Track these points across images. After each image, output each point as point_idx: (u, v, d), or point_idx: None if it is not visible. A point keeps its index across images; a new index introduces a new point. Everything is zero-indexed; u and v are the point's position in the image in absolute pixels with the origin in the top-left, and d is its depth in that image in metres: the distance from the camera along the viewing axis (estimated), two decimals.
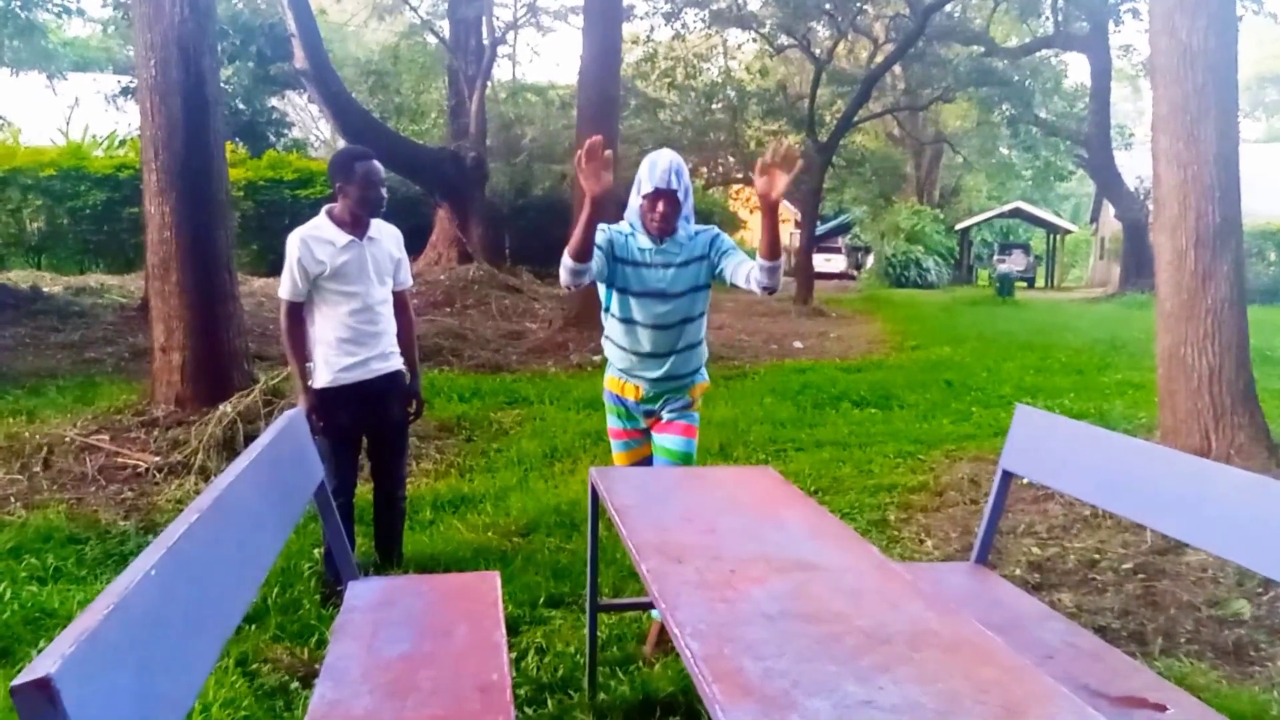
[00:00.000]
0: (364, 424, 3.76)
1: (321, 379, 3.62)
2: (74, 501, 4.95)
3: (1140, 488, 2.46)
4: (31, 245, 16.30)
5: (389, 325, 3.75)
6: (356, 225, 3.62)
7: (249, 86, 19.72)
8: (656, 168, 3.12)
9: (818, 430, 7.02)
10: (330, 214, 3.64)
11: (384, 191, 3.65)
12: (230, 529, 1.87)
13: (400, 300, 3.87)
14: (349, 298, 3.58)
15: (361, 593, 2.69)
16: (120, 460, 5.53)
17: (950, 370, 10.24)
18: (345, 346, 3.60)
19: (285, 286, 3.58)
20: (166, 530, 1.56)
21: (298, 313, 3.63)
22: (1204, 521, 2.24)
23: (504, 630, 2.40)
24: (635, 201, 3.19)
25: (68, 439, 5.72)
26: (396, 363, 3.78)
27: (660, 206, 3.12)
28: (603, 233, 3.20)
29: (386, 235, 3.76)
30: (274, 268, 17.18)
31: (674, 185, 3.10)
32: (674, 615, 1.63)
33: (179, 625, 1.46)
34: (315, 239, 3.56)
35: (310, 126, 26.92)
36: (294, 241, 3.54)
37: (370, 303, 3.63)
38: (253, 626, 3.41)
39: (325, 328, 3.61)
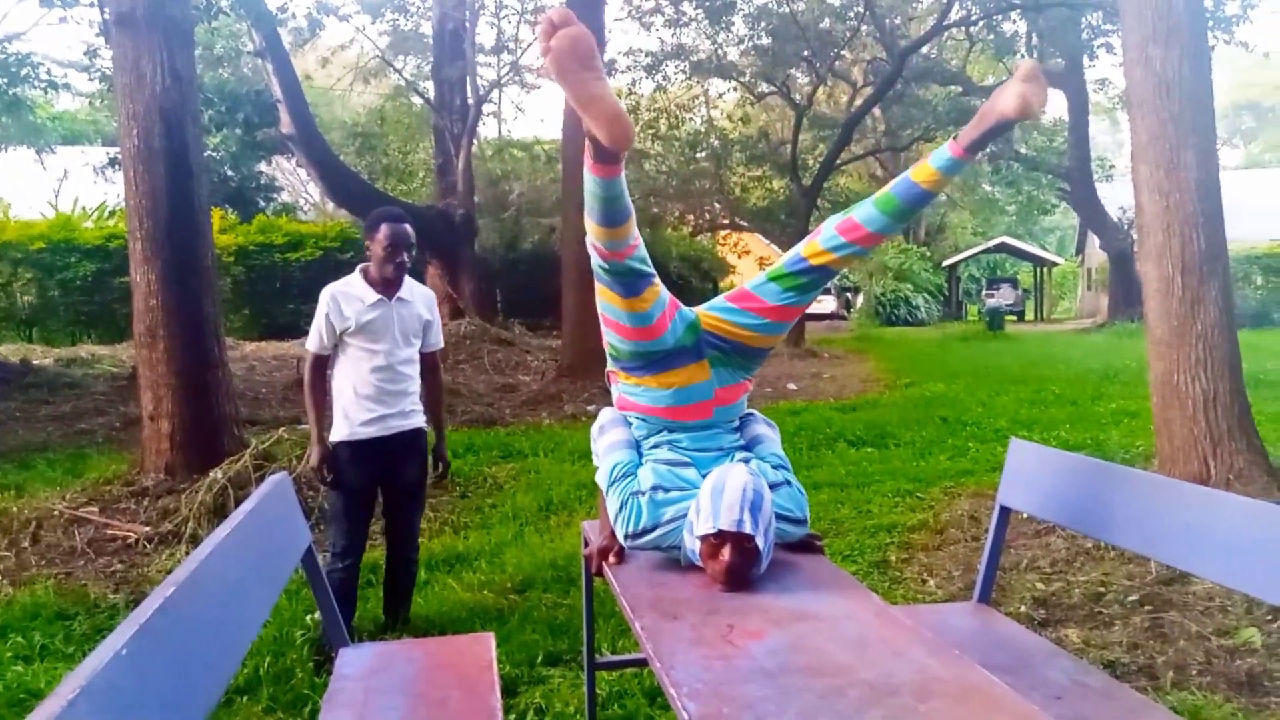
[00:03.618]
0: (379, 481, 3.75)
1: (339, 432, 3.66)
2: (63, 576, 4.87)
3: (1141, 518, 2.41)
4: (22, 318, 16.28)
5: (412, 385, 3.77)
6: (386, 285, 3.67)
7: (237, 153, 19.88)
8: (723, 496, 1.96)
9: (814, 471, 6.97)
10: (364, 272, 3.70)
11: (406, 255, 3.65)
12: (211, 600, 1.81)
13: (430, 361, 3.91)
14: (372, 355, 3.64)
15: (353, 660, 2.62)
16: (110, 532, 5.45)
17: (945, 406, 10.21)
18: (364, 402, 3.64)
19: (312, 339, 3.66)
20: (141, 605, 1.51)
21: (321, 365, 3.70)
22: (1208, 550, 2.19)
23: (499, 694, 2.33)
24: (691, 542, 2.05)
25: (56, 512, 5.64)
26: (417, 421, 3.79)
27: (726, 555, 1.95)
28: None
29: (418, 297, 3.80)
30: (266, 332, 17.28)
31: (748, 527, 1.93)
32: (670, 674, 1.58)
33: (154, 706, 1.40)
34: (345, 295, 3.63)
35: (299, 190, 27.08)
36: (324, 296, 3.63)
37: (393, 362, 3.67)
38: (244, 698, 3.33)
39: (346, 382, 3.66)
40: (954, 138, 2.13)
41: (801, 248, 2.25)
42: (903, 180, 2.15)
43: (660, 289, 2.18)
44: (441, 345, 3.97)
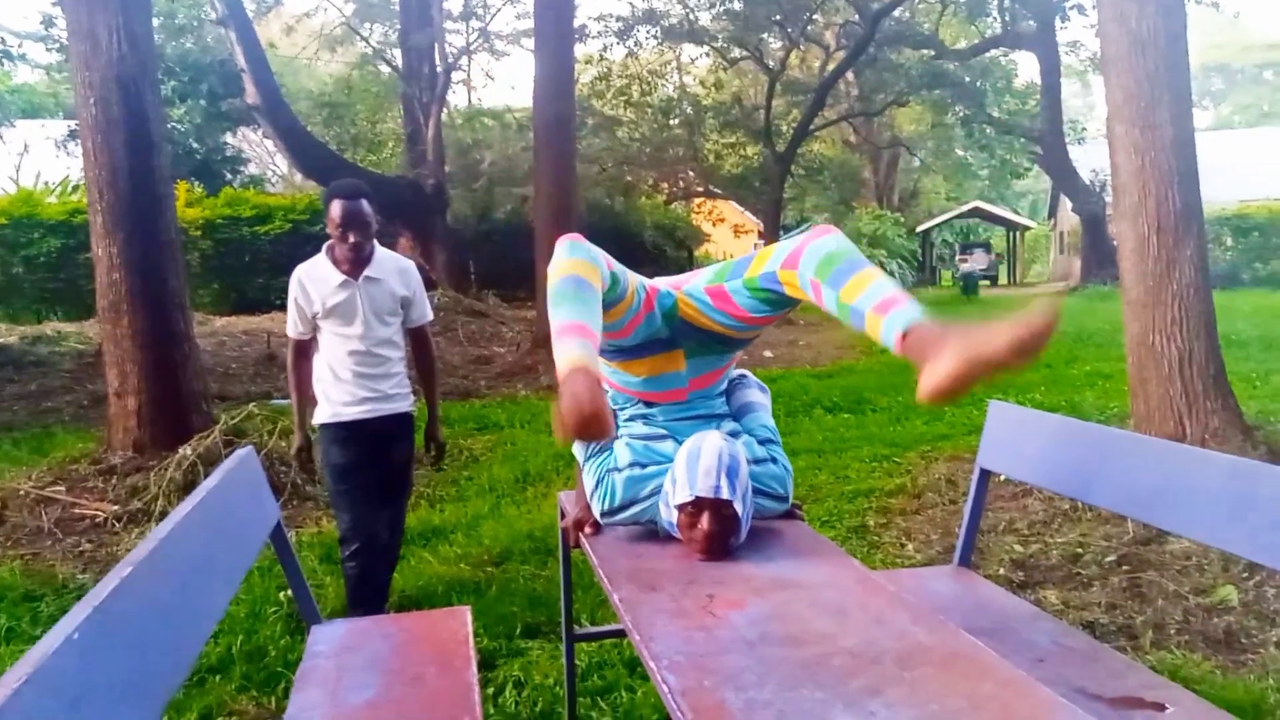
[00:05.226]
0: (366, 463, 3.50)
1: (322, 414, 3.48)
2: (30, 557, 4.78)
3: (1119, 478, 2.40)
4: None
5: (395, 366, 3.56)
6: (351, 264, 3.43)
7: (201, 125, 19.48)
8: (699, 462, 1.92)
9: (792, 438, 6.95)
10: (330, 251, 3.47)
11: (355, 234, 3.37)
12: (172, 580, 1.75)
13: (418, 336, 3.68)
14: (345, 339, 3.43)
15: (325, 636, 2.56)
16: (78, 511, 5.35)
17: None
18: (344, 385, 3.45)
19: (289, 324, 3.51)
20: (95, 587, 1.45)
21: (302, 349, 3.54)
22: (1185, 509, 2.18)
23: (475, 669, 2.29)
24: (667, 514, 2.02)
25: (22, 492, 5.53)
26: (402, 405, 3.57)
27: (705, 523, 1.91)
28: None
29: (390, 273, 3.51)
30: (236, 306, 17.05)
31: (725, 493, 1.89)
32: (649, 647, 1.53)
33: (109, 690, 1.34)
34: (310, 278, 3.42)
35: (267, 162, 26.64)
36: (292, 280, 3.45)
37: (369, 345, 3.44)
38: (217, 677, 3.28)
39: (325, 365, 3.48)
40: (905, 334, 1.77)
41: (779, 267, 2.03)
42: (856, 311, 1.87)
43: (633, 298, 2.04)
44: (429, 318, 3.71)
